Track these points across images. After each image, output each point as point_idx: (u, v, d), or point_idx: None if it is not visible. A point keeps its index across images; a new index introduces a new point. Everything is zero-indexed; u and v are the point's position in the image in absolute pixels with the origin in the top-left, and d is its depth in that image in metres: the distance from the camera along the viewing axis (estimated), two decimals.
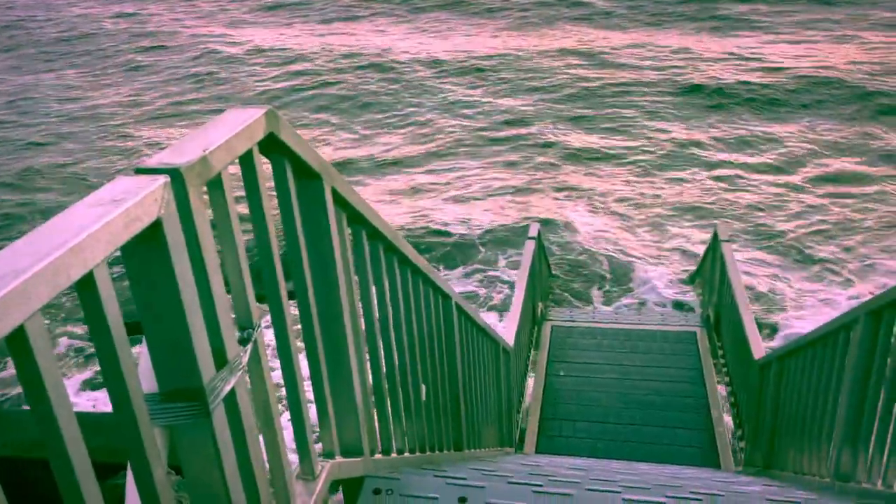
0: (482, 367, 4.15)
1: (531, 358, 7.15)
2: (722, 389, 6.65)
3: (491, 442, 4.57)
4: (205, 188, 1.22)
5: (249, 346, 1.36)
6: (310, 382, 1.78)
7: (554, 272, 9.80)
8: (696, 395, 6.49)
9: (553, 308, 8.60)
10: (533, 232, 7.49)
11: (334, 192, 1.77)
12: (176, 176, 1.09)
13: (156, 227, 1.04)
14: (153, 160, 1.12)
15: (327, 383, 1.83)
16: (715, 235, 7.38)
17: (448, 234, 10.84)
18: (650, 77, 16.67)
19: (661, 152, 13.18)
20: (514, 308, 6.20)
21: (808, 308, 8.87)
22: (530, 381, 6.87)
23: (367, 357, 2.16)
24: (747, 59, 17.30)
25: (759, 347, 5.18)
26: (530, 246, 7.22)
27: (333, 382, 1.88)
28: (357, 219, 2.00)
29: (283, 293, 1.54)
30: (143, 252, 1.06)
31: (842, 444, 3.13)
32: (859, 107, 14.41)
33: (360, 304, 2.15)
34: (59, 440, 0.86)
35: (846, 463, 3.12)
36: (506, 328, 5.78)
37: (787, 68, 16.44)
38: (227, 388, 1.24)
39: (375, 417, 2.27)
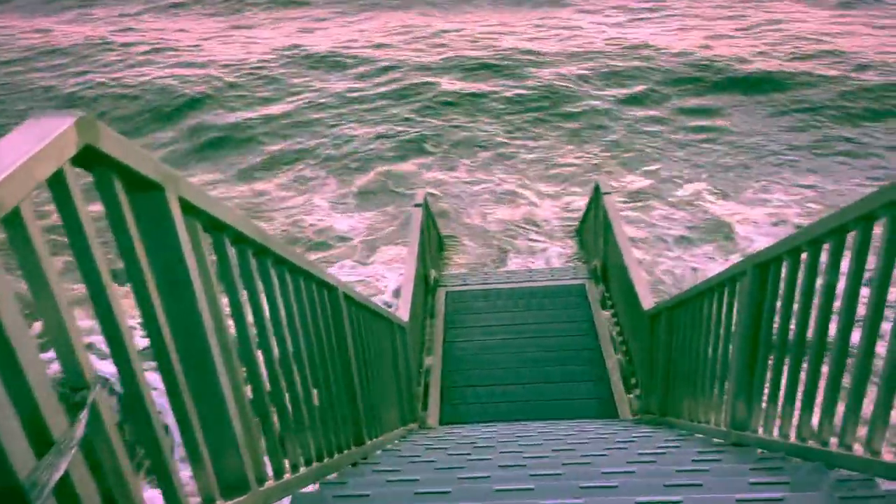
0: (378, 350, 3.97)
1: (428, 327, 7.05)
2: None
3: (393, 423, 4.43)
4: None
5: (85, 412, 1.11)
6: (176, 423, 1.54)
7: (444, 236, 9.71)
8: (590, 346, 6.61)
9: (446, 273, 8.52)
10: (419, 199, 7.32)
11: (183, 202, 1.51)
12: None
13: None
14: None
15: (195, 418, 1.59)
16: (596, 189, 7.47)
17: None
18: None
19: None
20: (406, 279, 6.04)
21: None
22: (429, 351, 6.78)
23: (245, 373, 1.93)
24: None
25: (648, 298, 5.28)
26: (418, 214, 7.05)
27: (204, 414, 1.64)
28: (216, 225, 1.74)
29: (125, 330, 1.28)
30: None
31: (736, 394, 3.18)
32: None
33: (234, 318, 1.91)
34: None
35: (741, 412, 3.19)
36: (400, 301, 5.62)
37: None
38: (57, 476, 0.99)
39: (262, 440, 2.05)
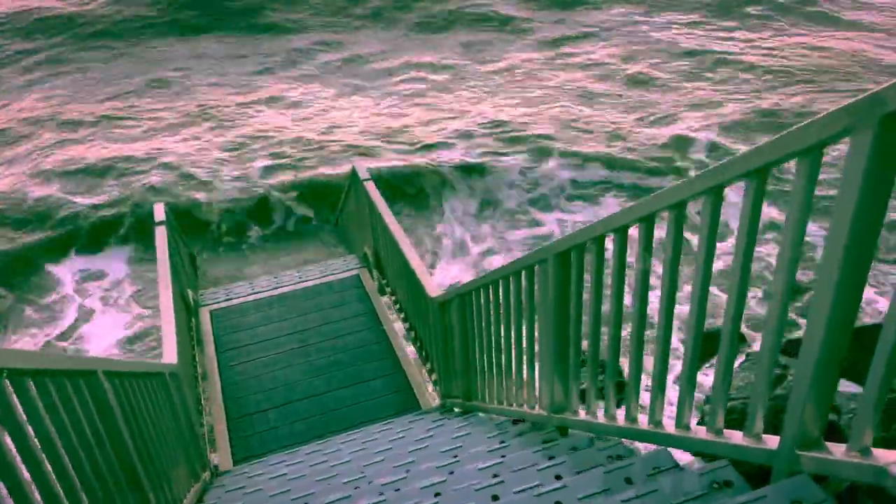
0: (156, 415, 3.37)
1: (198, 356, 6.34)
2: (400, 327, 6.68)
3: (184, 486, 3.84)
4: None
5: None
6: None
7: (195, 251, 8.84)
8: (377, 339, 6.41)
9: (205, 291, 7.75)
10: (160, 215, 6.45)
11: None
12: None
13: None
14: None
15: None
16: (354, 175, 7.20)
17: None
18: None
19: None
20: (164, 310, 5.29)
21: None
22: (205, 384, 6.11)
23: None
24: None
25: (432, 283, 5.16)
26: (161, 232, 6.22)
27: None
28: None
29: None
30: None
31: (552, 378, 3.15)
32: None
33: None
34: None
35: (559, 396, 3.17)
36: (164, 339, 4.90)
37: None
38: None
39: None
